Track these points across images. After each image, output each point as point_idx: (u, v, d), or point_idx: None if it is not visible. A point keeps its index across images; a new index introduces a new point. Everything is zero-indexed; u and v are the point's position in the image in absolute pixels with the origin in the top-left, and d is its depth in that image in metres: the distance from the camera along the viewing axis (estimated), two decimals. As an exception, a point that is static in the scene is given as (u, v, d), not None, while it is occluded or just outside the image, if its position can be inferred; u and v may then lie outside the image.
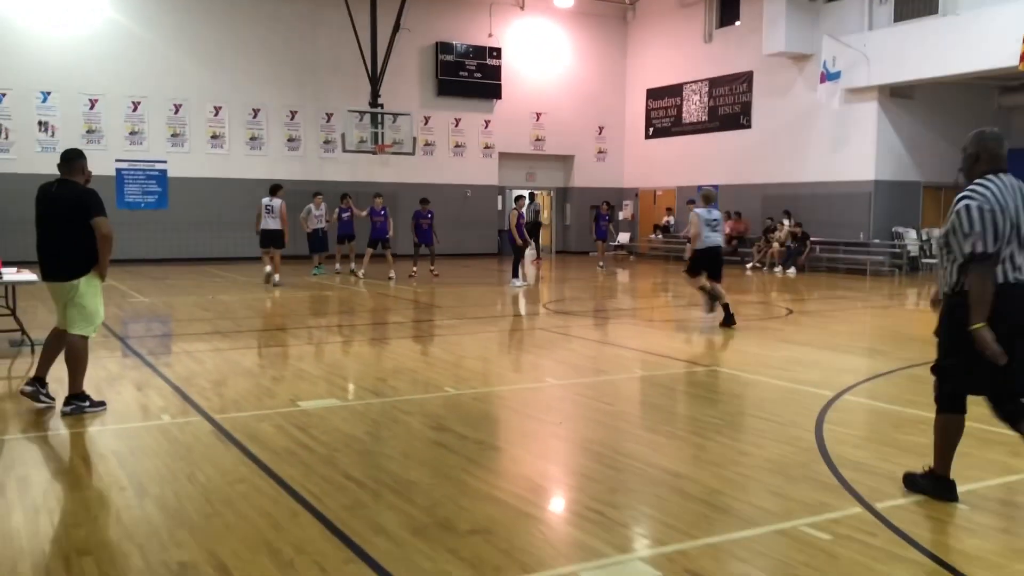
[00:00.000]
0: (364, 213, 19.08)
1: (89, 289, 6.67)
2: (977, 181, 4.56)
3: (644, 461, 5.44)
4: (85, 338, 6.77)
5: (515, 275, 17.53)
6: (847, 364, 9.36)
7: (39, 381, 6.78)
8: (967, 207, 4.45)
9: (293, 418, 6.52)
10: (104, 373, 8.20)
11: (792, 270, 21.71)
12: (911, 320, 13.48)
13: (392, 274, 18.35)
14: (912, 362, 9.10)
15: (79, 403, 6.65)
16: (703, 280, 11.68)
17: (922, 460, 5.43)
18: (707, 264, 11.57)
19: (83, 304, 6.64)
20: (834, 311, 14.14)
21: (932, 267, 21.58)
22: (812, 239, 22.37)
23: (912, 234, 22.07)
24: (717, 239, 11.59)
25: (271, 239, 16.55)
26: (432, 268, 19.28)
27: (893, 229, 22.14)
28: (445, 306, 14.33)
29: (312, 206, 18.88)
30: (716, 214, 11.65)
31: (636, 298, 17.05)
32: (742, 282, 19.35)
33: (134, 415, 6.68)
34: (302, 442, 5.84)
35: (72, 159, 6.83)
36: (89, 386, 7.29)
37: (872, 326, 12.42)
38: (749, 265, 23.16)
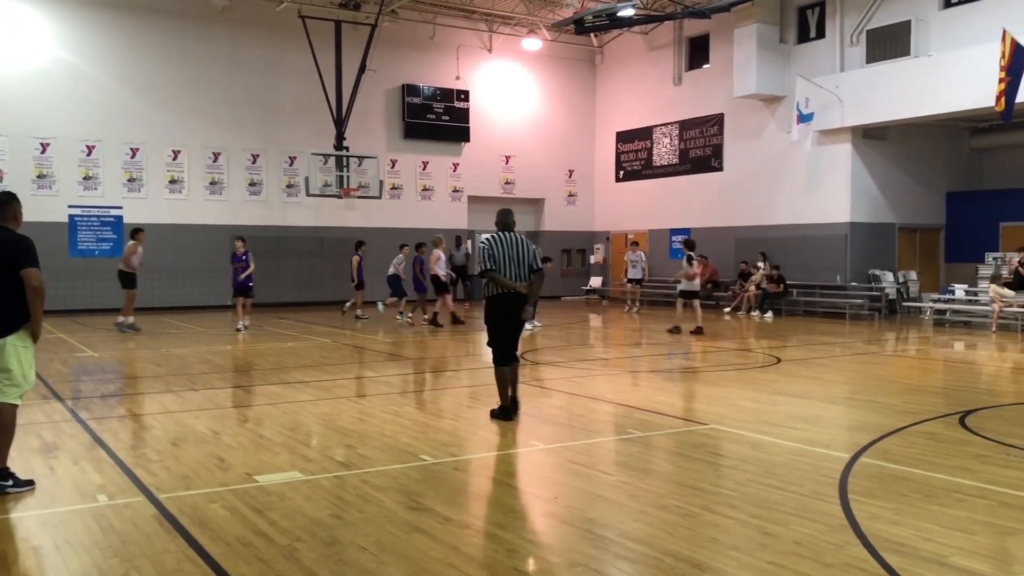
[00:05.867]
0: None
1: (17, 350, 5.87)
2: (491, 234, 8.17)
3: (659, 548, 4.70)
4: (14, 407, 5.94)
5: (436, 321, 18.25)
6: (853, 420, 8.73)
7: None
8: (480, 246, 8.28)
9: (249, 497, 5.71)
10: (38, 443, 7.32)
11: (769, 314, 21.20)
12: (905, 368, 12.94)
13: (246, 323, 17.34)
14: (921, 416, 8.52)
15: (1, 483, 5.79)
16: None
17: (967, 537, 4.89)
18: None
19: (10, 367, 5.84)
20: (822, 358, 13.57)
21: (910, 310, 21.23)
22: (788, 282, 21.97)
23: (889, 276, 21.73)
24: None
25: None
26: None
27: (870, 272, 21.80)
28: (413, 357, 13.53)
29: (441, 252, 18.22)
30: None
31: (614, 345, 16.36)
32: (721, 327, 18.77)
33: (66, 496, 5.81)
34: (259, 529, 5.04)
35: (2, 203, 6.07)
36: (19, 459, 6.45)
37: (866, 375, 11.83)
38: (727, 310, 22.65)
